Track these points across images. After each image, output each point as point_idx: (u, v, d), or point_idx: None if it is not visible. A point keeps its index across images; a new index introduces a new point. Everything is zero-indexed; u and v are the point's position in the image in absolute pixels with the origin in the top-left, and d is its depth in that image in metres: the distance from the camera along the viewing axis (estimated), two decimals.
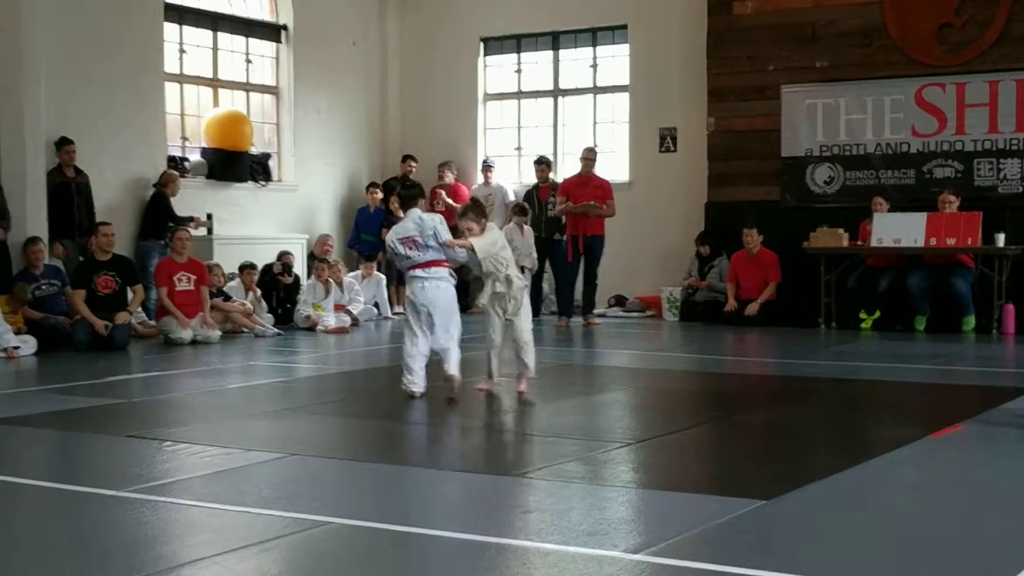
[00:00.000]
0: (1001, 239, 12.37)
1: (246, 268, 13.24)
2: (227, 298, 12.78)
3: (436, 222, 7.85)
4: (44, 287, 11.57)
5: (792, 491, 5.03)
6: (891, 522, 4.67)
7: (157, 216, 13.21)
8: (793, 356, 10.83)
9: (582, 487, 5.26)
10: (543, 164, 14.89)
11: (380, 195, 15.61)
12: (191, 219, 13.55)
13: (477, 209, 8.01)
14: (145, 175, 13.58)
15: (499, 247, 7.93)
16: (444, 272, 7.85)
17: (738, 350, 11.82)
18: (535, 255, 14.30)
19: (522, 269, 14.08)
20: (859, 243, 13.24)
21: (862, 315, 13.18)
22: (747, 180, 14.26)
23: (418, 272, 7.79)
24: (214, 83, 14.95)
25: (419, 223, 7.81)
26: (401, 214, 15.29)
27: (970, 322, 12.59)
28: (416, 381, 7.80)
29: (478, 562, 4.10)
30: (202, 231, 13.83)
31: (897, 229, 12.79)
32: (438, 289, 7.80)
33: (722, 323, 13.58)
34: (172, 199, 13.38)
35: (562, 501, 5.04)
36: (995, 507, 4.96)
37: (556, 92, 16.24)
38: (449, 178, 16.13)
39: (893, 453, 5.95)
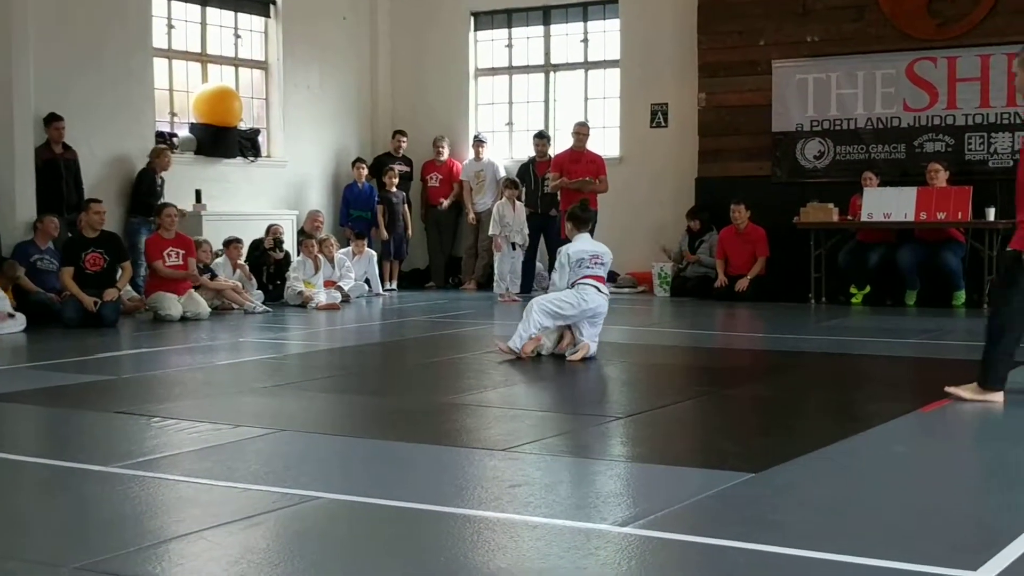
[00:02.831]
0: (991, 213, 12.36)
1: (232, 243, 13.20)
2: (213, 276, 12.74)
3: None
4: (45, 261, 11.56)
5: (781, 464, 5.04)
6: (880, 495, 4.68)
7: (142, 193, 13.17)
8: (783, 331, 10.83)
9: (571, 461, 5.27)
10: (543, 139, 14.88)
11: (366, 170, 15.56)
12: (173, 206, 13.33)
13: None
14: (133, 151, 13.51)
15: None
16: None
17: (728, 325, 11.83)
18: (526, 231, 14.28)
19: (513, 245, 14.14)
20: (849, 218, 13.23)
21: (852, 290, 13.19)
22: (738, 155, 14.25)
23: (594, 283, 8.76)
24: (203, 58, 14.88)
25: (604, 248, 9.07)
26: (394, 188, 15.41)
27: (960, 297, 12.61)
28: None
29: (467, 536, 4.10)
30: (191, 208, 13.79)
31: (887, 204, 12.79)
32: (607, 300, 8.88)
33: (713, 299, 13.58)
34: (163, 173, 13.30)
35: (551, 475, 5.04)
36: (984, 480, 4.98)
37: (547, 67, 16.18)
38: (445, 153, 16.10)
39: (883, 427, 5.96)
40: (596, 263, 8.82)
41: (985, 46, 12.93)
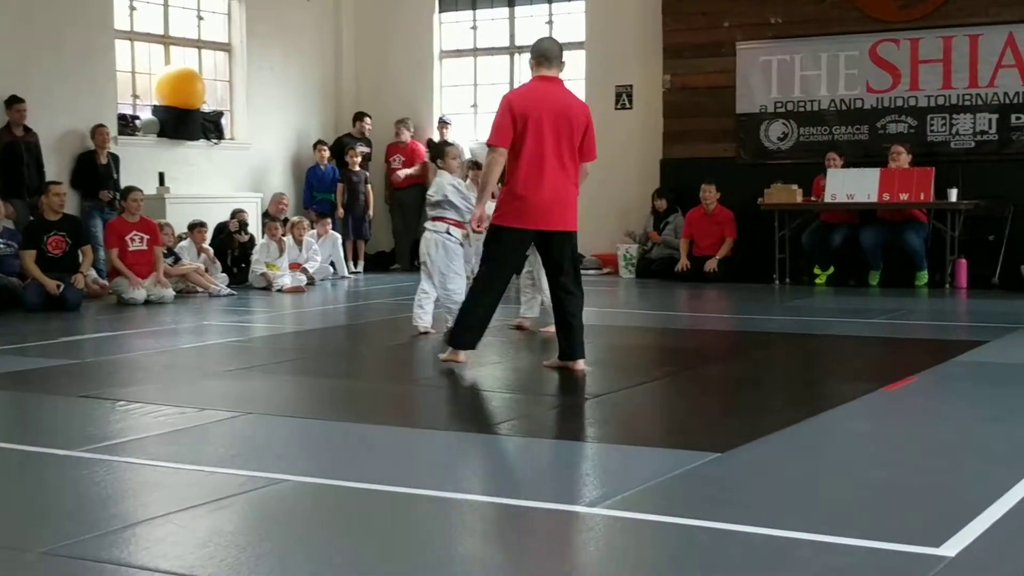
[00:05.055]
0: (954, 194, 12.47)
1: (196, 227, 13.13)
2: (177, 259, 12.67)
3: (446, 182, 8.89)
4: (1, 246, 11.45)
5: (748, 444, 5.07)
6: (846, 473, 4.71)
7: (86, 177, 13.06)
8: (748, 312, 10.89)
9: (541, 442, 5.28)
10: None
11: (327, 152, 15.51)
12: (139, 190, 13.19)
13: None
14: None
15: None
16: (442, 227, 8.84)
17: (693, 306, 11.87)
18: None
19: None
20: (813, 199, 13.30)
21: (816, 271, 13.27)
22: (702, 137, 14.27)
23: (425, 224, 9.02)
24: (165, 40, 14.76)
25: (437, 184, 8.95)
26: (356, 168, 15.46)
27: (923, 277, 12.70)
28: (422, 316, 8.94)
29: (437, 517, 4.10)
30: (157, 192, 13.68)
31: (851, 185, 12.86)
32: (430, 241, 8.87)
33: (678, 280, 13.62)
34: (110, 151, 13.16)
35: (519, 456, 5.05)
36: (948, 458, 5.02)
37: (512, 49, 16.16)
38: (405, 136, 16.04)
39: (848, 405, 6.00)
40: (428, 202, 9.02)
41: (947, 28, 13.01)
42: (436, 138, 15.94)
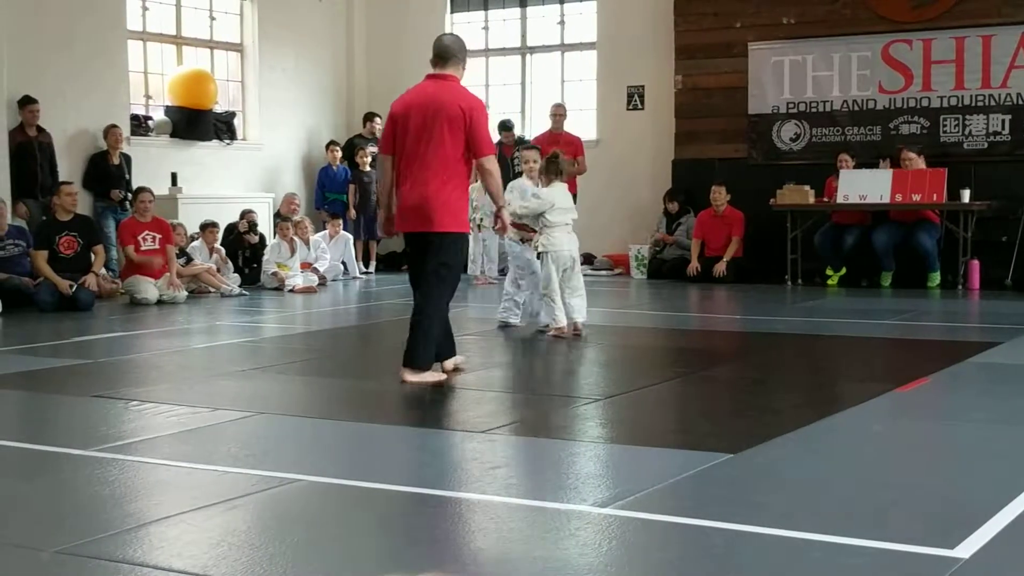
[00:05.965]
0: (966, 195, 12.44)
1: (208, 227, 13.15)
2: (189, 259, 12.68)
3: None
4: (9, 247, 11.45)
5: (760, 444, 5.06)
6: (859, 475, 4.71)
7: (98, 177, 13.10)
8: (760, 313, 10.87)
9: (551, 443, 5.27)
10: (509, 131, 14.88)
11: (340, 153, 15.53)
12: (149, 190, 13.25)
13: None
14: None
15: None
16: (513, 234, 8.74)
17: (705, 307, 11.86)
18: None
19: (479, 227, 14.06)
20: (825, 200, 13.28)
21: (828, 272, 13.25)
22: (714, 138, 14.27)
23: None
24: (178, 41, 14.79)
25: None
26: (367, 169, 15.46)
27: (935, 278, 12.67)
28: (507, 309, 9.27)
29: (447, 517, 4.10)
30: (169, 192, 13.71)
31: (863, 186, 12.84)
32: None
33: (690, 281, 13.60)
34: (123, 151, 13.20)
35: (531, 457, 5.05)
36: (961, 459, 5.01)
37: (524, 50, 16.15)
38: None
39: (860, 406, 5.99)
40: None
41: (959, 28, 12.98)
42: None
